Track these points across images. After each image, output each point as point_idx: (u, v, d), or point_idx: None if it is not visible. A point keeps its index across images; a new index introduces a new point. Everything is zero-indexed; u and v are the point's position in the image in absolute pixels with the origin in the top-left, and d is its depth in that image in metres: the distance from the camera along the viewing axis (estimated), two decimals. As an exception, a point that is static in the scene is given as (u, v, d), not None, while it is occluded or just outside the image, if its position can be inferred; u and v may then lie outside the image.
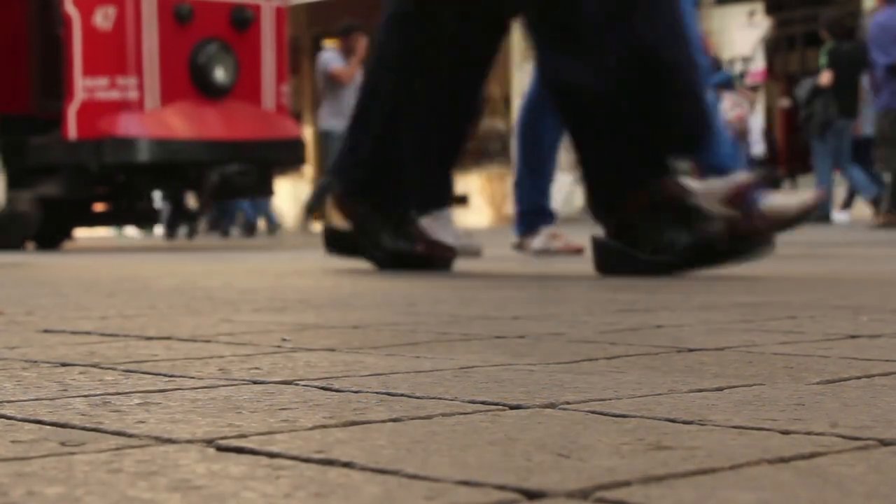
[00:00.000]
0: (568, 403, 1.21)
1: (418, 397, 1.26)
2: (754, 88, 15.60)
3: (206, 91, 9.41)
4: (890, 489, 0.80)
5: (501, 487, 0.83)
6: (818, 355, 1.61)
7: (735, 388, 1.30)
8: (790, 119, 15.75)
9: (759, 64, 16.19)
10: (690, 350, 1.69)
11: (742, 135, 14.58)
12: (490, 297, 2.84)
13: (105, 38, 9.42)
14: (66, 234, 10.85)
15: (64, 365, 1.59)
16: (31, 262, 6.25)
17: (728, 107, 13.79)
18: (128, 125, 9.23)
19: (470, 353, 1.68)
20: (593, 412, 1.15)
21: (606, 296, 2.87)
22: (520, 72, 18.42)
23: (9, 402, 1.26)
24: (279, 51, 9.91)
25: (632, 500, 0.78)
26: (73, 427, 1.10)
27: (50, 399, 1.28)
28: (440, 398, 1.25)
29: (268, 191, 10.10)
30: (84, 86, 9.34)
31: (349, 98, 11.04)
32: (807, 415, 1.12)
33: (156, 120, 9.30)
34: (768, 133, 16.27)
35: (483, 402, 1.22)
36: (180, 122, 9.34)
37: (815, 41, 14.55)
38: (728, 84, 14.31)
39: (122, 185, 9.96)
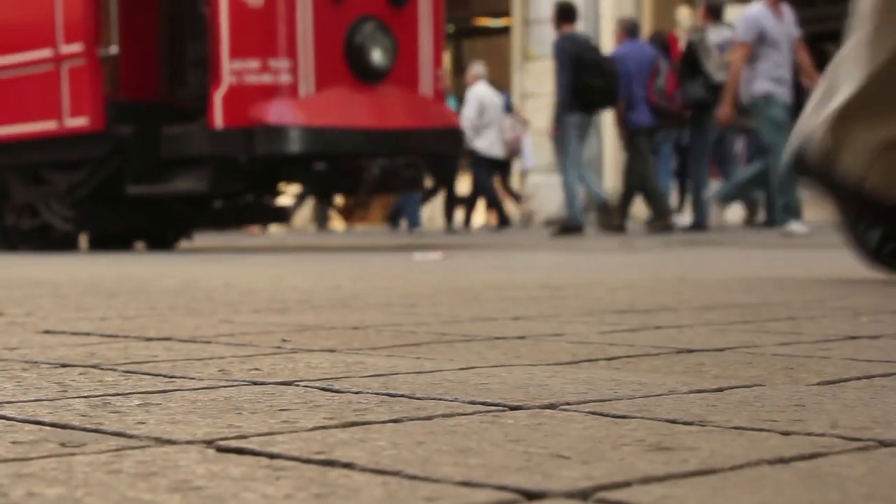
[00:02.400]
0: (568, 404, 1.21)
1: (419, 398, 1.26)
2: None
3: (362, 75, 8.41)
4: (890, 490, 0.80)
5: (502, 488, 0.83)
6: (818, 356, 1.61)
7: (735, 389, 1.30)
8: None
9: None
10: (690, 351, 1.69)
11: (515, 153, 16.55)
12: (490, 298, 2.84)
13: (255, 15, 8.38)
14: (183, 234, 9.94)
15: (64, 366, 1.59)
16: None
17: (508, 127, 15.63)
18: (281, 112, 8.22)
19: (470, 354, 1.68)
20: (593, 413, 1.15)
21: (606, 296, 2.87)
22: (520, 72, 18.42)
23: (9, 402, 1.26)
24: (436, 30, 8.95)
25: (632, 501, 0.78)
26: (73, 428, 1.10)
27: (50, 400, 1.28)
28: (441, 399, 1.25)
29: (419, 185, 9.27)
30: (232, 69, 8.33)
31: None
32: (807, 416, 1.12)
33: (311, 107, 8.29)
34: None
35: (483, 403, 1.22)
36: (336, 110, 8.30)
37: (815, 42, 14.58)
38: (507, 108, 15.83)
39: (260, 180, 8.88)
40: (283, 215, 10.17)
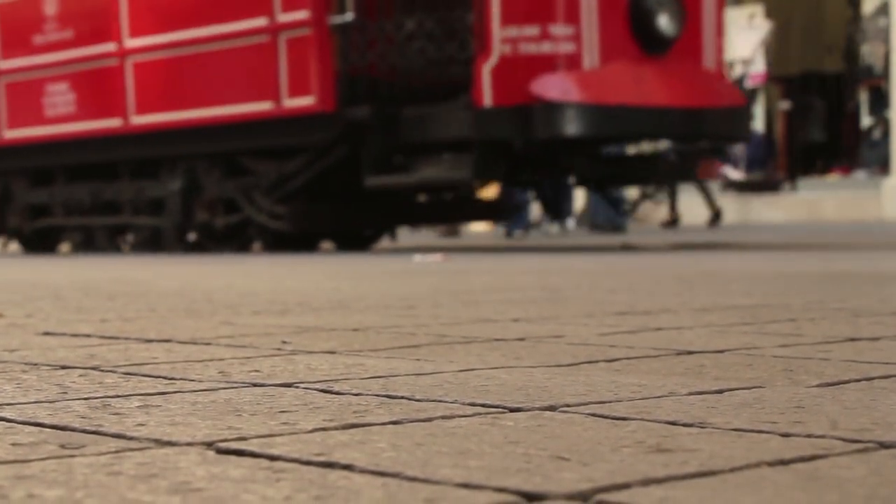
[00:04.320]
0: (568, 406, 1.21)
1: (418, 400, 1.26)
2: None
3: (648, 44, 7.13)
4: (889, 491, 0.80)
5: (502, 490, 0.83)
6: (818, 358, 1.61)
7: (735, 391, 1.30)
8: (790, 121, 15.75)
9: (758, 66, 16.21)
10: (690, 353, 1.69)
11: None
12: (490, 300, 2.84)
13: None
14: (385, 232, 8.90)
15: (64, 368, 1.59)
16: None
17: None
18: (565, 88, 6.90)
19: (470, 356, 1.68)
20: (593, 415, 1.15)
21: (606, 298, 2.87)
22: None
23: (9, 404, 1.26)
24: None
25: (632, 503, 0.78)
26: (73, 430, 1.10)
27: (50, 402, 1.28)
28: (440, 401, 1.25)
29: (692, 175, 8.03)
30: (504, 37, 6.98)
31: None
32: (806, 417, 1.12)
33: (597, 81, 7.03)
34: (768, 135, 16.27)
35: (483, 405, 1.22)
36: (625, 85, 7.06)
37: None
38: None
39: (527, 166, 7.59)
40: (497, 211, 8.96)
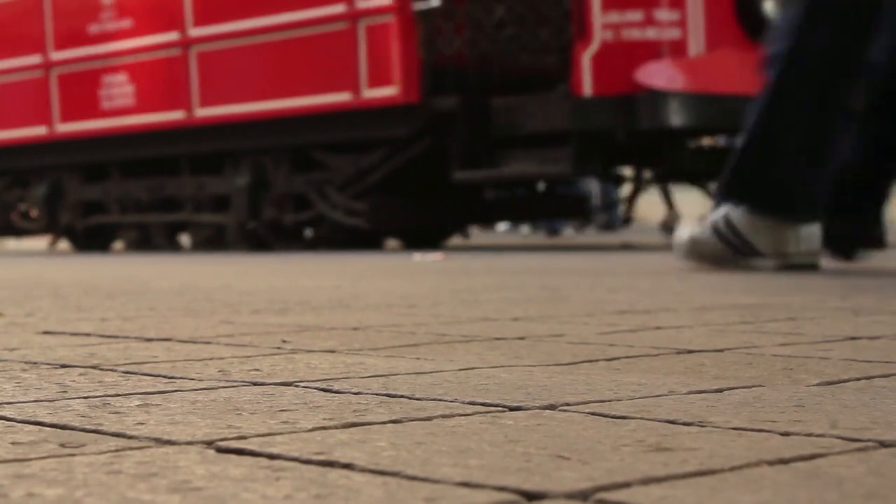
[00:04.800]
0: (568, 405, 1.21)
1: (418, 399, 1.26)
2: None
3: (754, 30, 6.72)
4: (889, 491, 0.80)
5: (502, 489, 0.83)
6: (817, 357, 1.61)
7: (734, 390, 1.30)
8: None
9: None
10: (690, 352, 1.69)
11: None
12: (490, 299, 2.84)
13: None
14: (456, 230, 8.53)
15: (64, 366, 1.59)
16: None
17: None
18: (672, 76, 6.59)
19: (470, 355, 1.68)
20: (593, 414, 1.15)
21: (606, 297, 2.87)
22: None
23: (9, 403, 1.26)
24: None
25: (632, 502, 0.78)
26: (72, 429, 1.10)
27: (50, 400, 1.28)
28: (440, 400, 1.25)
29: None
30: (605, 22, 6.68)
31: None
32: (806, 416, 1.12)
33: (704, 69, 6.72)
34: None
35: (483, 404, 1.22)
36: (731, 74, 6.67)
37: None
38: None
39: (624, 159, 7.20)
40: (581, 208, 8.53)
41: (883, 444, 0.98)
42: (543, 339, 1.90)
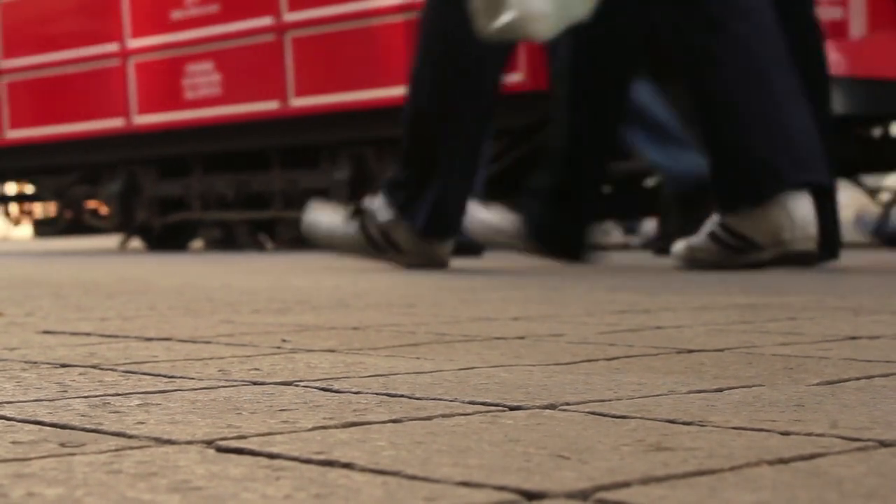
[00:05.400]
0: (568, 404, 1.21)
1: (418, 398, 1.26)
2: None
3: None
4: (889, 490, 0.81)
5: (501, 488, 0.83)
6: (818, 356, 1.61)
7: (734, 389, 1.30)
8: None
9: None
10: (690, 351, 1.69)
11: None
12: (490, 298, 2.84)
13: None
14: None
15: (64, 366, 1.59)
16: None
17: None
18: (833, 60, 5.94)
19: (470, 354, 1.68)
20: (593, 413, 1.15)
21: (606, 297, 2.87)
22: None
23: (8, 402, 1.26)
24: None
25: (632, 501, 0.78)
26: (72, 428, 1.10)
27: (50, 400, 1.28)
28: (440, 399, 1.25)
29: None
30: None
31: None
32: (806, 416, 1.12)
33: (866, 53, 6.25)
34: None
35: (483, 403, 1.22)
36: (892, 57, 6.24)
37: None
38: None
39: None
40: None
41: (883, 444, 0.98)
42: (543, 338, 1.90)
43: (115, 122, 8.78)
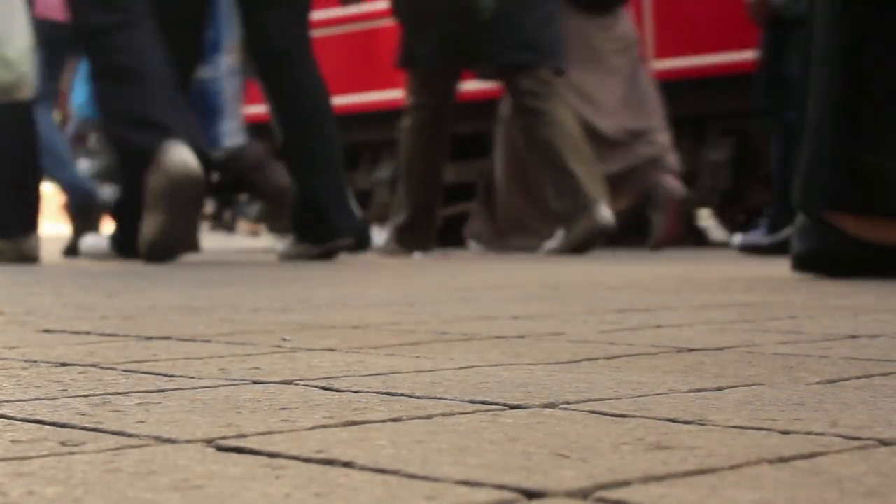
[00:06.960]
0: (568, 403, 1.21)
1: (418, 397, 1.26)
2: None
3: None
4: (889, 489, 0.80)
5: (501, 487, 0.83)
6: (818, 355, 1.61)
7: (735, 388, 1.30)
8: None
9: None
10: (690, 350, 1.69)
11: None
12: (490, 297, 2.84)
13: None
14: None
15: (63, 365, 1.59)
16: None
17: None
18: None
19: (470, 353, 1.68)
20: (593, 412, 1.15)
21: (606, 295, 2.87)
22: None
23: (8, 401, 1.26)
24: None
25: (632, 500, 0.78)
26: (72, 427, 1.10)
27: (49, 399, 1.28)
28: (440, 398, 1.25)
29: None
30: None
31: None
32: (806, 415, 1.12)
33: None
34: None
35: (483, 402, 1.22)
36: None
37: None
38: None
39: None
40: None
41: (883, 443, 0.98)
42: (543, 337, 1.90)
43: (393, 94, 7.67)
